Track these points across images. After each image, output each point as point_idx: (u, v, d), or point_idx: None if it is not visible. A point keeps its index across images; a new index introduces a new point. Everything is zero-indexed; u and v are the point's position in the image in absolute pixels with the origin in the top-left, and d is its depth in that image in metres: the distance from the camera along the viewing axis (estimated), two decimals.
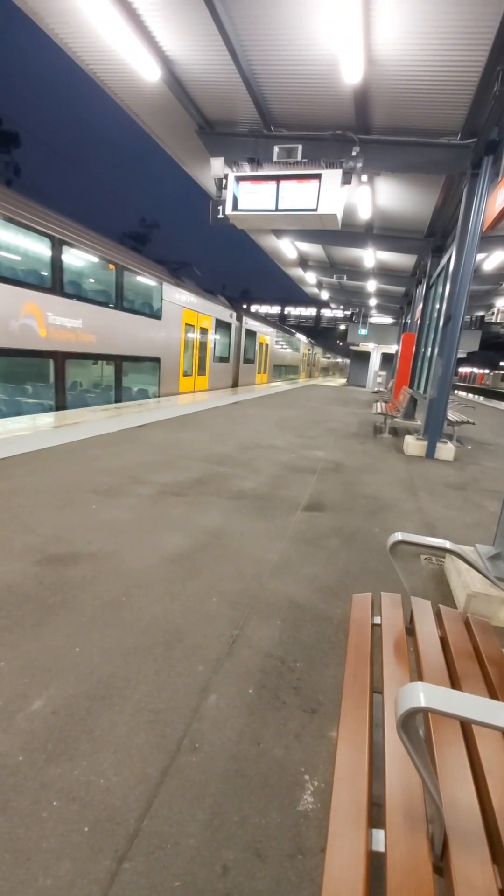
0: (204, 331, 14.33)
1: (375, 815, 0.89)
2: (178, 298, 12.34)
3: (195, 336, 13.69)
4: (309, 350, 36.82)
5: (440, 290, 8.06)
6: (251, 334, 19.55)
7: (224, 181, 6.31)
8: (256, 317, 21.18)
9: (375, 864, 0.80)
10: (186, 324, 12.89)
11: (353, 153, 5.97)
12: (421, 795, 0.90)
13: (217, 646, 2.01)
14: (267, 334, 22.23)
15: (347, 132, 6.10)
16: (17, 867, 1.13)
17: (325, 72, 5.34)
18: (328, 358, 53.24)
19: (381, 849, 0.82)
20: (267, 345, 22.43)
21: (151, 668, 1.84)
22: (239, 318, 17.58)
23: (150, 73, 5.48)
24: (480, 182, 5.83)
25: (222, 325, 15.99)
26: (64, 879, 1.11)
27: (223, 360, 16.57)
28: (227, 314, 16.20)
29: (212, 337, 15.06)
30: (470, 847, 0.80)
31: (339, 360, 58.51)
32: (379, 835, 0.85)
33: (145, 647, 1.96)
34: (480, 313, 22.71)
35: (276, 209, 6.04)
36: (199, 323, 13.84)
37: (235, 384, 18.16)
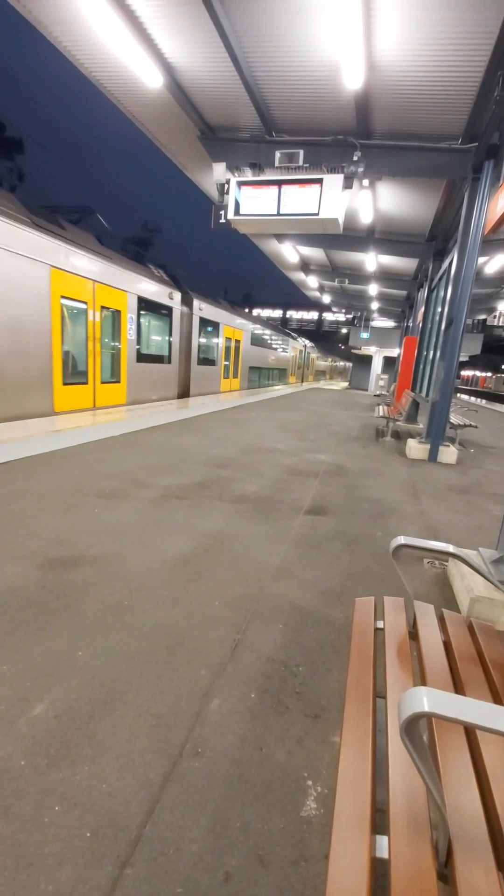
0: (112, 313, 9.64)
1: (379, 821, 0.88)
2: (34, 248, 7.24)
3: (94, 318, 8.94)
4: (301, 351, 32.80)
5: (442, 293, 8.07)
6: (211, 327, 14.75)
7: (226, 186, 6.34)
8: (222, 305, 16.20)
9: (379, 871, 0.80)
10: (65, 296, 8.10)
11: (355, 158, 6.00)
12: (425, 801, 0.90)
13: (219, 650, 2.01)
14: (239, 328, 17.62)
15: (349, 137, 6.13)
16: (18, 872, 1.12)
17: (326, 77, 5.37)
18: (327, 360, 49.40)
19: (385, 855, 0.81)
20: (239, 342, 18.02)
21: (154, 672, 1.84)
22: (187, 303, 12.91)
23: (152, 80, 5.53)
24: (481, 186, 5.85)
25: (154, 310, 11.27)
26: (66, 885, 1.10)
27: (156, 359, 11.59)
28: (162, 294, 11.41)
29: (131, 325, 10.30)
30: (475, 854, 0.80)
31: (341, 363, 57.73)
32: (382, 841, 0.84)
33: (147, 651, 1.95)
34: (482, 316, 22.70)
35: (278, 214, 6.07)
36: (100, 299, 9.08)
37: (185, 394, 13.48)
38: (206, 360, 14.83)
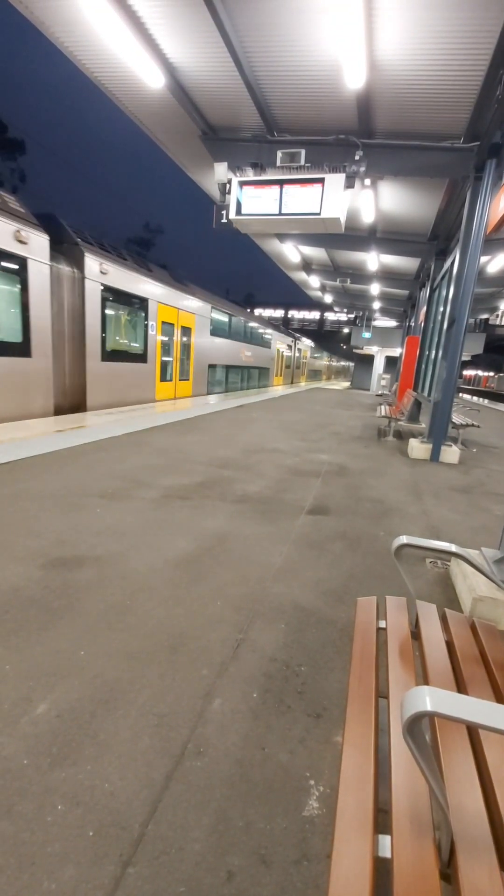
0: None
1: (381, 821, 0.88)
2: None
3: None
4: (290, 346, 28.00)
5: (444, 292, 8.05)
6: (130, 303, 10.10)
7: (227, 186, 6.34)
8: (156, 274, 11.32)
9: (382, 871, 0.79)
10: None
11: (356, 157, 6.00)
12: (427, 801, 0.90)
13: (221, 650, 2.01)
14: (189, 310, 12.82)
15: (350, 136, 6.13)
16: (21, 871, 1.12)
17: (327, 77, 5.37)
18: (322, 358, 44.27)
19: (388, 855, 0.81)
20: (190, 330, 13.16)
21: (156, 671, 1.84)
22: (72, 259, 8.22)
23: (154, 81, 5.53)
24: (484, 185, 5.84)
25: None
26: (68, 884, 1.11)
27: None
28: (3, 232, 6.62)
29: None
30: (478, 854, 0.80)
31: (343, 362, 57.27)
32: (385, 841, 0.84)
33: (150, 651, 1.96)
34: (485, 316, 22.68)
35: (280, 213, 6.07)
36: None
37: (75, 404, 8.76)
38: (123, 355, 9.93)
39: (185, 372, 13.54)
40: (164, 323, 11.71)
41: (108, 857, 1.17)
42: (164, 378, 12.16)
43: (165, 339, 12.01)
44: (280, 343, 25.50)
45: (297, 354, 30.97)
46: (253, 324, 20.48)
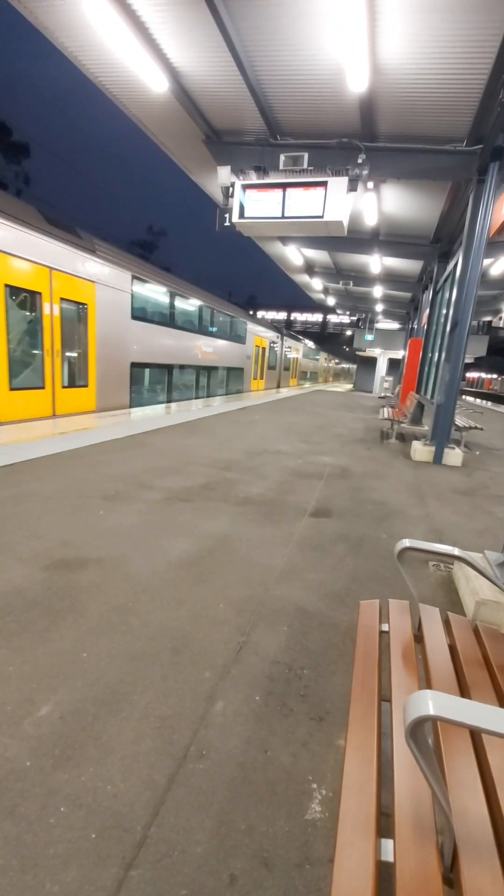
0: None
1: (384, 825, 0.88)
2: None
3: None
4: (274, 343, 23.02)
5: (447, 295, 8.05)
6: None
7: (231, 189, 6.37)
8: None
9: (384, 875, 0.79)
10: None
11: (359, 160, 6.01)
12: (430, 805, 0.89)
13: (224, 652, 2.01)
14: (75, 273, 8.34)
15: (353, 140, 6.14)
16: (24, 873, 1.13)
17: (330, 81, 5.38)
18: (320, 359, 39.03)
19: (390, 859, 0.81)
20: (87, 307, 8.76)
21: (158, 673, 1.84)
22: None
23: (157, 85, 5.56)
24: (487, 188, 5.84)
25: None
26: (71, 886, 1.11)
27: None
28: None
29: None
30: (480, 858, 0.79)
31: (345, 365, 56.53)
32: (388, 845, 0.84)
33: (152, 653, 1.96)
34: (488, 318, 22.64)
35: (283, 216, 6.09)
36: None
37: None
38: None
39: (79, 374, 8.86)
40: (12, 288, 7.06)
41: (110, 859, 1.17)
42: (16, 385, 7.29)
43: (22, 317, 7.41)
44: (261, 338, 20.80)
45: (284, 352, 25.89)
46: (220, 310, 15.47)
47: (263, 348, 21.72)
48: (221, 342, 16.38)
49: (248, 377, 19.91)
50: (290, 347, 27.51)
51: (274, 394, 19.09)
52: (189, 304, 13.61)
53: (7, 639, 1.98)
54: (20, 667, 1.82)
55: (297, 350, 30.16)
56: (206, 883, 1.14)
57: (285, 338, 26.47)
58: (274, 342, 23.57)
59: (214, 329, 15.78)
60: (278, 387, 25.32)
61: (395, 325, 26.16)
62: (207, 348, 15.13)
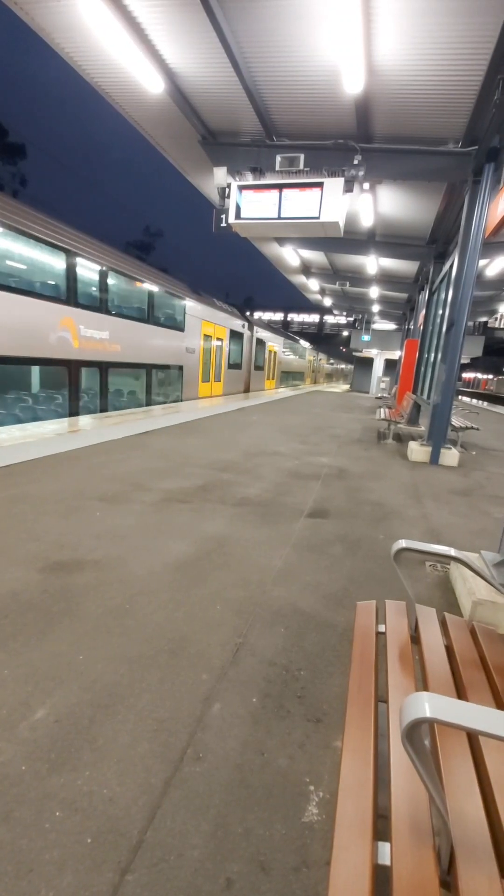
0: None
1: (381, 828, 0.87)
2: None
3: None
4: (239, 335, 18.01)
5: (443, 296, 8.07)
6: None
7: (227, 190, 6.37)
8: None
9: (381, 878, 0.79)
10: None
11: (355, 161, 6.02)
12: (427, 807, 0.89)
13: (221, 654, 2.00)
14: None
15: (349, 141, 6.16)
16: (19, 879, 1.12)
17: (326, 82, 5.40)
18: (305, 356, 33.11)
19: (387, 862, 0.81)
20: None
21: (155, 676, 1.83)
22: None
23: (153, 86, 5.56)
24: (482, 189, 5.86)
25: None
26: (66, 892, 1.10)
27: None
28: None
29: None
30: (477, 861, 0.79)
31: (342, 365, 56.10)
32: (385, 848, 0.83)
33: (149, 655, 1.95)
34: (484, 319, 22.74)
35: (279, 217, 6.10)
36: None
37: None
38: None
39: None
40: None
41: (106, 864, 1.16)
42: None
43: None
44: (213, 325, 15.23)
45: (255, 347, 19.85)
46: (127, 273, 10.35)
47: (220, 340, 16.03)
48: (132, 326, 10.62)
49: (190, 379, 13.97)
50: (262, 341, 21.31)
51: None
52: (52, 257, 8.47)
53: (2, 642, 1.97)
54: (15, 670, 1.81)
55: (275, 344, 23.91)
56: (202, 887, 1.13)
57: (257, 328, 20.49)
58: (238, 332, 17.96)
59: (116, 303, 10.33)
60: (246, 391, 19.51)
61: (391, 326, 26.24)
62: (96, 332, 9.50)
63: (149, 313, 11.60)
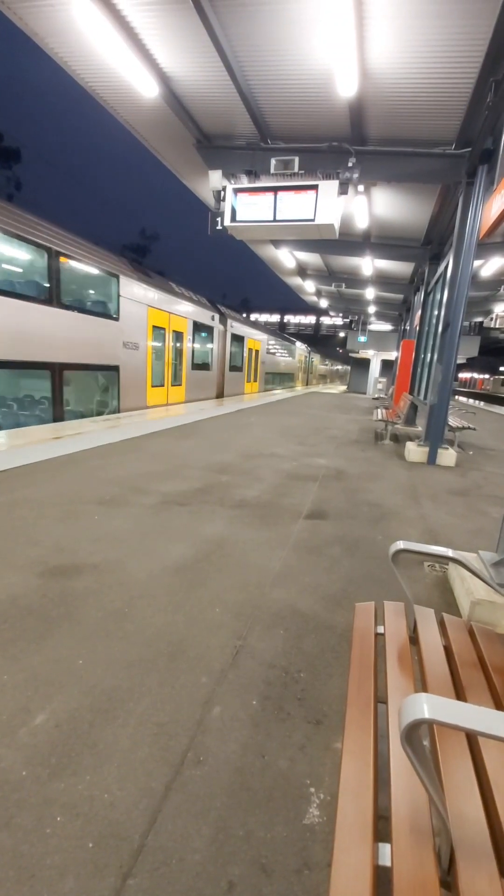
0: None
1: (381, 829, 0.88)
2: None
3: None
4: (206, 327, 14.77)
5: (438, 296, 8.11)
6: None
7: (222, 193, 6.39)
8: None
9: (382, 879, 0.79)
10: None
11: (350, 164, 6.05)
12: (427, 808, 0.90)
13: (221, 657, 2.00)
14: None
15: (343, 143, 6.18)
16: (21, 884, 1.12)
17: (320, 85, 5.42)
18: (295, 354, 29.18)
19: (388, 863, 0.81)
20: None
21: (155, 679, 1.83)
22: None
23: (147, 90, 5.57)
24: (476, 190, 5.90)
25: None
26: None
27: None
28: None
29: None
30: (477, 861, 0.80)
31: (339, 366, 56.10)
32: (385, 849, 0.84)
33: (149, 659, 1.95)
34: (479, 319, 22.82)
35: (274, 220, 6.11)
36: None
37: None
38: None
39: None
40: None
41: (108, 868, 1.16)
42: None
43: None
44: (168, 315, 12.10)
45: (229, 345, 16.80)
46: (31, 242, 7.66)
47: (179, 333, 12.88)
48: (21, 308, 7.51)
49: (133, 383, 10.74)
50: (239, 337, 17.90)
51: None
52: None
53: (2, 647, 1.97)
54: (15, 675, 1.80)
55: (257, 341, 20.41)
56: (204, 890, 1.13)
57: (233, 322, 17.10)
58: (205, 325, 14.62)
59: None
60: (220, 396, 16.49)
61: (387, 327, 26.29)
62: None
63: (53, 291, 8.15)
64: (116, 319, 9.93)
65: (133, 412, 10.37)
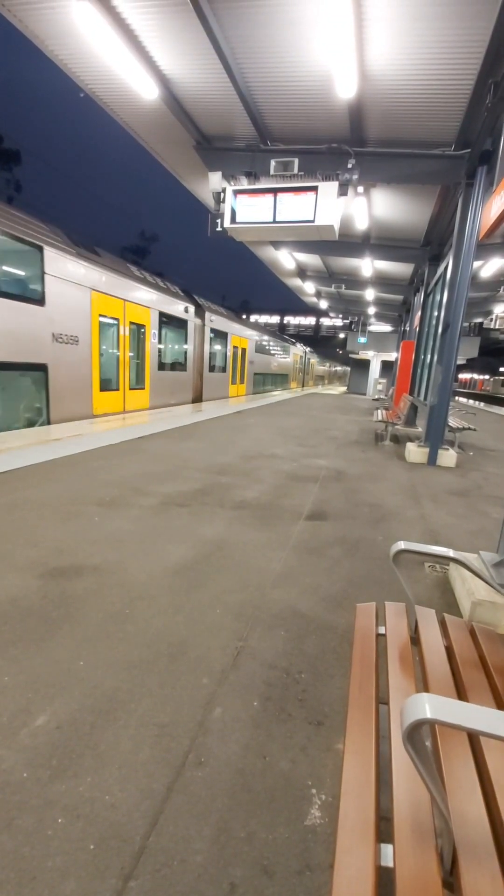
0: None
1: (384, 830, 0.88)
2: None
3: None
4: (180, 320, 12.92)
5: (438, 297, 8.12)
6: None
7: (222, 195, 6.40)
8: None
9: (384, 880, 0.79)
10: None
11: (349, 165, 6.06)
12: (429, 809, 0.89)
13: (221, 658, 2.00)
14: None
15: (343, 145, 6.19)
16: (22, 887, 1.11)
17: (319, 87, 5.43)
18: (289, 351, 27.25)
19: (390, 864, 0.81)
20: None
21: (156, 681, 1.83)
22: None
23: (147, 92, 5.59)
24: (475, 191, 5.91)
25: None
26: None
27: None
28: None
29: None
30: (480, 861, 0.79)
31: (338, 367, 55.92)
32: (387, 849, 0.84)
33: (149, 660, 1.95)
34: (479, 320, 22.82)
35: (274, 221, 6.12)
36: None
37: None
38: None
39: None
40: None
41: (109, 870, 1.16)
42: None
43: None
44: (120, 303, 9.96)
45: (209, 342, 14.75)
46: None
47: (139, 326, 10.78)
48: None
49: (71, 387, 8.60)
50: (221, 333, 15.77)
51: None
52: None
53: (3, 649, 1.97)
54: (16, 677, 1.80)
55: (243, 338, 18.33)
56: (206, 892, 1.13)
57: (213, 315, 15.00)
58: (175, 318, 12.57)
59: None
60: (197, 400, 14.56)
61: (387, 328, 26.31)
62: None
63: None
64: (41, 304, 7.72)
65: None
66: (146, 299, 10.98)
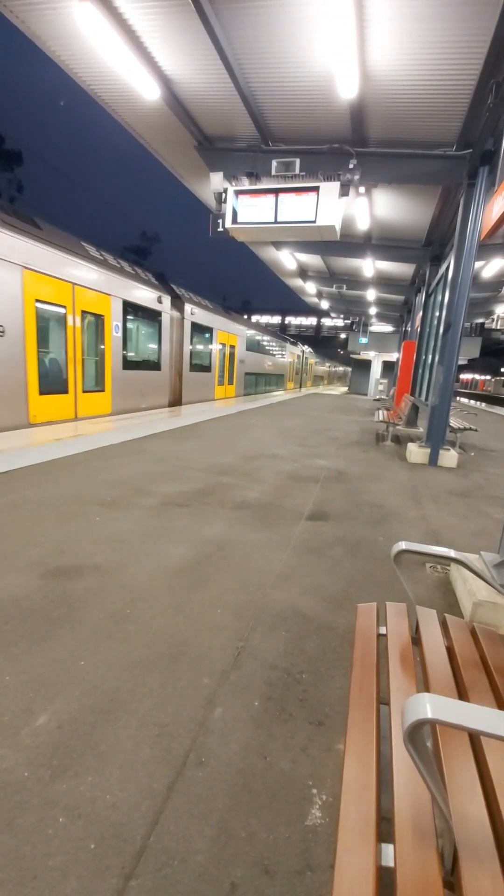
0: None
1: (384, 830, 0.88)
2: None
3: None
4: (152, 312, 11.02)
5: (439, 297, 8.11)
6: None
7: (223, 195, 6.41)
8: None
9: (385, 880, 0.79)
10: None
11: (350, 166, 6.06)
12: (430, 809, 0.89)
13: (222, 658, 2.00)
14: None
15: (344, 145, 6.19)
16: (23, 886, 1.11)
17: (321, 87, 5.44)
18: (285, 351, 25.75)
19: (391, 864, 0.81)
20: None
21: (157, 681, 1.83)
22: None
23: (149, 92, 5.59)
24: (477, 191, 5.90)
25: None
26: None
27: None
28: None
29: None
30: (481, 861, 0.79)
31: (340, 367, 55.63)
32: (388, 850, 0.84)
33: (150, 660, 1.95)
34: (480, 320, 22.79)
35: (276, 222, 6.13)
36: None
37: None
38: None
39: None
40: None
41: (110, 869, 1.16)
42: None
43: None
44: (69, 287, 8.14)
45: (189, 338, 13.19)
46: None
47: (96, 317, 9.16)
48: None
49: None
50: (204, 328, 14.20)
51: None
52: None
53: (4, 648, 1.97)
54: (17, 676, 1.81)
55: (232, 335, 16.73)
56: (206, 892, 1.13)
57: (194, 308, 13.33)
58: (147, 310, 10.91)
59: None
60: (177, 403, 13.08)
61: (388, 328, 26.30)
62: None
63: None
64: None
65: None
66: (105, 284, 9.17)
